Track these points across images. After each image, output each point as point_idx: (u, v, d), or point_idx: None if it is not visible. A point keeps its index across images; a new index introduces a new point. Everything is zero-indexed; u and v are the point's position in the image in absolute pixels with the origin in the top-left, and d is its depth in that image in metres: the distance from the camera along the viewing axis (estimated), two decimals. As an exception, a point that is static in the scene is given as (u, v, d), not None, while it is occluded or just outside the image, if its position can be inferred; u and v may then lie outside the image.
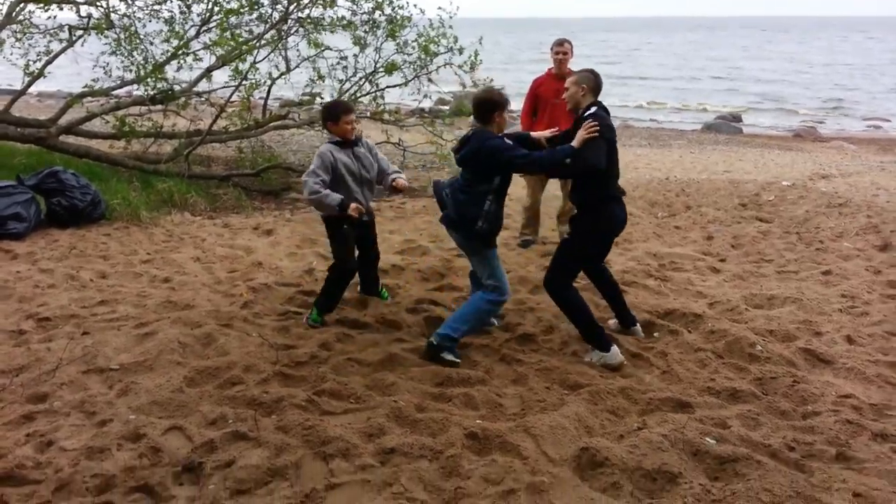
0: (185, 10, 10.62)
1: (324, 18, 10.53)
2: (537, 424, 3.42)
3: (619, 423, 3.56)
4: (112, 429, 3.42)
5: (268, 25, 10.33)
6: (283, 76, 10.29)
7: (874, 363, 4.30)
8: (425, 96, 10.67)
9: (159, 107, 10.53)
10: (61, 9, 10.30)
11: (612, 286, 4.72)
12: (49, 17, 10.56)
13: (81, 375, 4.01)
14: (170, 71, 10.20)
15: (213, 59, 10.10)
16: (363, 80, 10.51)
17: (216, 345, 4.43)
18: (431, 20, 9.99)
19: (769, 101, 27.51)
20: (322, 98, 10.97)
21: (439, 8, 9.87)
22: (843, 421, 3.54)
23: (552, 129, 4.68)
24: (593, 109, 4.17)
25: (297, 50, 10.58)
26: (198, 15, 10.65)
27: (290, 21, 10.47)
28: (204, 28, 10.46)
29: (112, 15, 10.55)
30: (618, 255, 6.52)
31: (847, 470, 3.15)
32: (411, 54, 10.32)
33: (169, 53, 10.18)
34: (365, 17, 10.49)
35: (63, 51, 10.50)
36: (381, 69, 10.33)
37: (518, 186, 7.18)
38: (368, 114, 10.94)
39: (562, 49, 6.51)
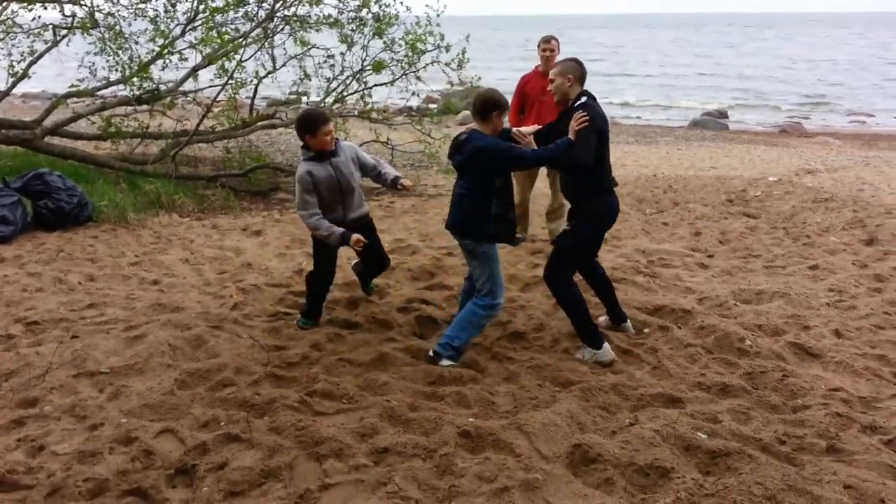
0: (170, 8, 10.55)
1: (310, 16, 10.50)
2: (530, 422, 3.43)
3: (611, 420, 3.58)
4: (103, 432, 3.40)
5: (254, 24, 10.28)
6: (269, 75, 10.24)
7: (862, 356, 4.35)
8: (413, 94, 10.66)
9: (145, 107, 10.47)
10: (45, 8, 10.19)
11: (605, 283, 4.72)
12: (33, 18, 10.47)
13: (71, 379, 3.99)
14: (155, 70, 10.14)
15: (199, 57, 10.04)
16: (350, 78, 10.48)
17: (206, 347, 4.41)
18: (419, 17, 9.98)
19: (755, 98, 27.69)
20: (308, 97, 10.94)
21: (426, 6, 9.86)
22: (833, 414, 3.58)
23: (535, 126, 4.68)
24: (583, 100, 4.14)
25: (284, 48, 10.54)
26: (183, 14, 10.58)
27: (276, 19, 10.42)
28: (189, 27, 10.40)
29: (96, 14, 10.47)
30: (607, 251, 6.54)
31: (837, 462, 3.18)
32: (398, 52, 10.31)
33: (154, 53, 10.11)
34: (352, 14, 10.47)
35: (47, 51, 10.40)
36: (368, 67, 10.31)
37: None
38: (356, 112, 10.92)
39: (548, 46, 6.52)
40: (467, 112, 12.89)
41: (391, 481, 3.01)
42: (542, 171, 7.04)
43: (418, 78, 10.45)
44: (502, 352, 4.40)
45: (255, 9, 10.43)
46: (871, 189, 9.56)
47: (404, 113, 12.52)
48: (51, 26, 10.52)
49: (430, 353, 4.27)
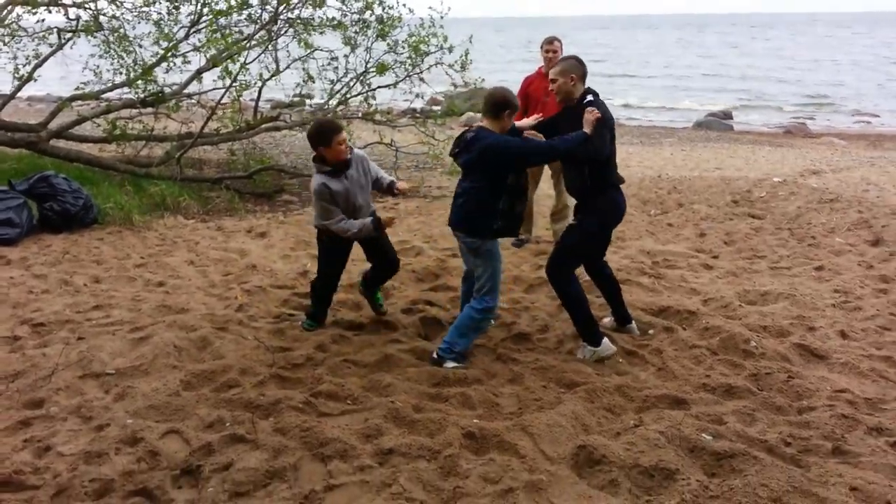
0: (174, 11, 10.59)
1: (314, 19, 10.52)
2: (534, 423, 3.44)
3: (615, 421, 3.58)
4: (109, 433, 3.42)
5: (258, 26, 10.31)
6: (273, 77, 10.26)
7: (868, 357, 4.34)
8: (417, 96, 10.68)
9: (150, 109, 10.49)
10: (49, 11, 10.25)
11: (612, 283, 4.71)
12: (38, 21, 10.51)
13: (77, 380, 4.00)
14: (160, 73, 10.17)
15: (203, 60, 10.07)
16: (354, 80, 10.50)
17: (212, 348, 4.42)
18: (423, 19, 9.99)
19: (759, 98, 27.62)
20: (312, 99, 10.95)
21: (430, 8, 9.87)
22: (839, 415, 3.57)
23: (535, 116, 4.67)
24: (591, 97, 4.14)
25: (288, 51, 10.56)
26: (186, 16, 10.62)
27: (279, 21, 10.44)
28: (193, 30, 10.43)
29: (101, 17, 10.50)
30: (612, 253, 6.52)
31: (843, 464, 3.17)
32: (402, 54, 10.33)
33: (158, 55, 10.14)
34: (355, 17, 10.49)
35: (52, 54, 10.45)
36: (371, 69, 10.32)
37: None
38: (360, 114, 10.94)
39: (551, 47, 6.53)
40: (471, 113, 12.89)
41: (396, 482, 3.01)
42: (547, 171, 7.04)
43: (422, 80, 10.46)
44: (507, 353, 4.41)
45: (259, 11, 10.46)
46: (877, 189, 9.53)
47: (408, 115, 12.50)
48: (55, 29, 10.58)
49: (434, 356, 4.27)
